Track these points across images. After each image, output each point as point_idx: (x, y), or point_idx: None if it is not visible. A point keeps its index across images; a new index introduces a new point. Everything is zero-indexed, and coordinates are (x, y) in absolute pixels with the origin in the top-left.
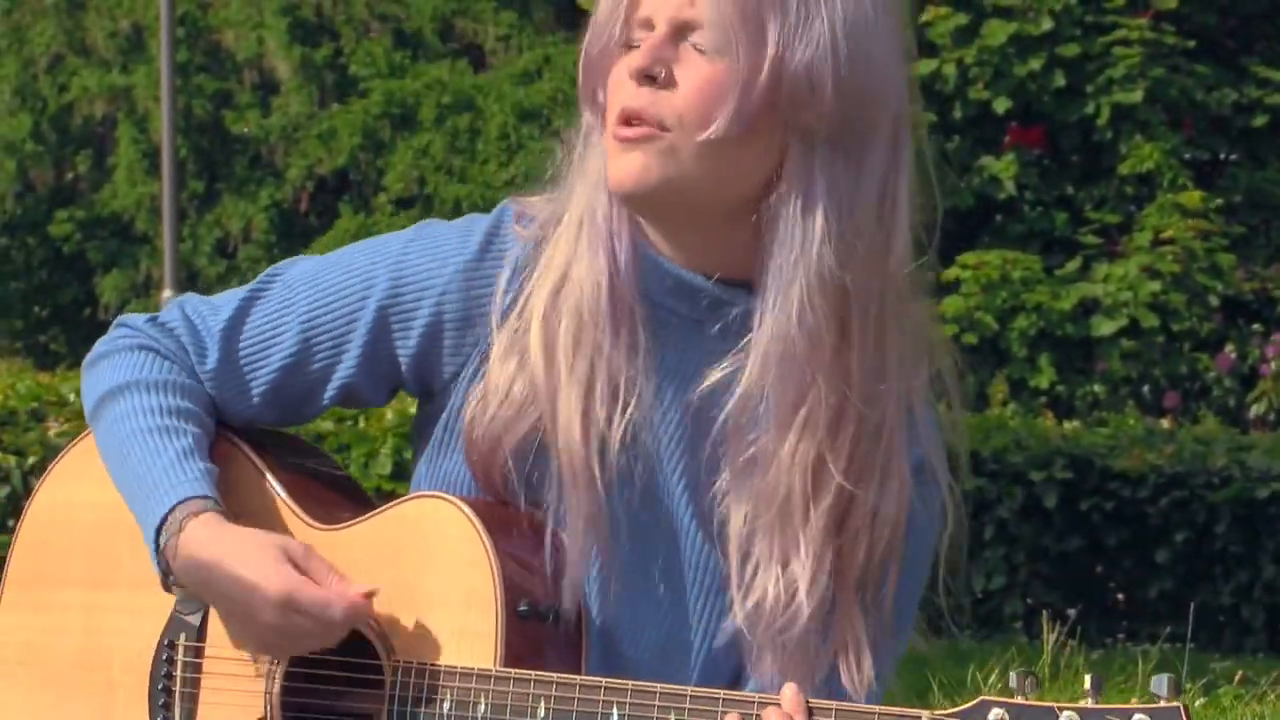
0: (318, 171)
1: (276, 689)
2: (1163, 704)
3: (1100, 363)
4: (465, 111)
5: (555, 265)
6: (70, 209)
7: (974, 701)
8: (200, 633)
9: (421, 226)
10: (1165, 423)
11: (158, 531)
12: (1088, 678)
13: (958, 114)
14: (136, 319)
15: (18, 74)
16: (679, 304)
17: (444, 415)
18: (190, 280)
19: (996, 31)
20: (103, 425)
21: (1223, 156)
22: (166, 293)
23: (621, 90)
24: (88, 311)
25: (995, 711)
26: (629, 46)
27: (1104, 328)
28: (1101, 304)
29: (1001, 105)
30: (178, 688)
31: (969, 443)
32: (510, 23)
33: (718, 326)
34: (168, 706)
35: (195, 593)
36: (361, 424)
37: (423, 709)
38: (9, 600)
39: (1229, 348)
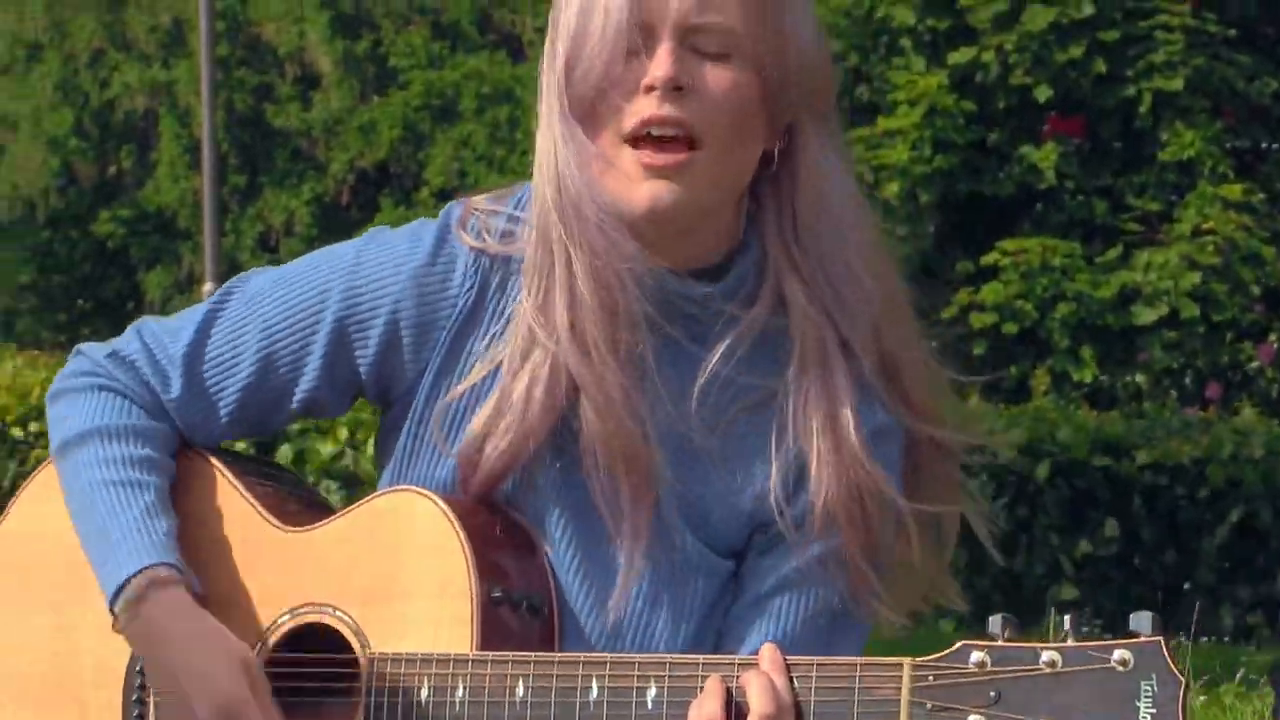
0: (359, 164)
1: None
2: (1144, 639)
3: (1142, 353)
4: (504, 102)
5: (551, 271)
6: (114, 206)
7: (955, 646)
8: None
9: (372, 234)
10: (1204, 414)
11: (117, 592)
12: (1066, 618)
13: (1000, 104)
14: (96, 351)
15: (60, 69)
16: (662, 303)
17: (407, 423)
18: (232, 274)
19: (1037, 17)
20: (66, 470)
21: (1264, 146)
22: (208, 286)
23: (638, 101)
24: (131, 305)
25: (976, 655)
26: (627, 55)
27: (1144, 316)
28: (1142, 292)
29: (1043, 94)
30: (151, 701)
31: (1016, 433)
32: (548, 13)
33: (694, 316)
34: (142, 718)
35: (141, 655)
36: None
37: (400, 699)
38: None
39: (1272, 338)
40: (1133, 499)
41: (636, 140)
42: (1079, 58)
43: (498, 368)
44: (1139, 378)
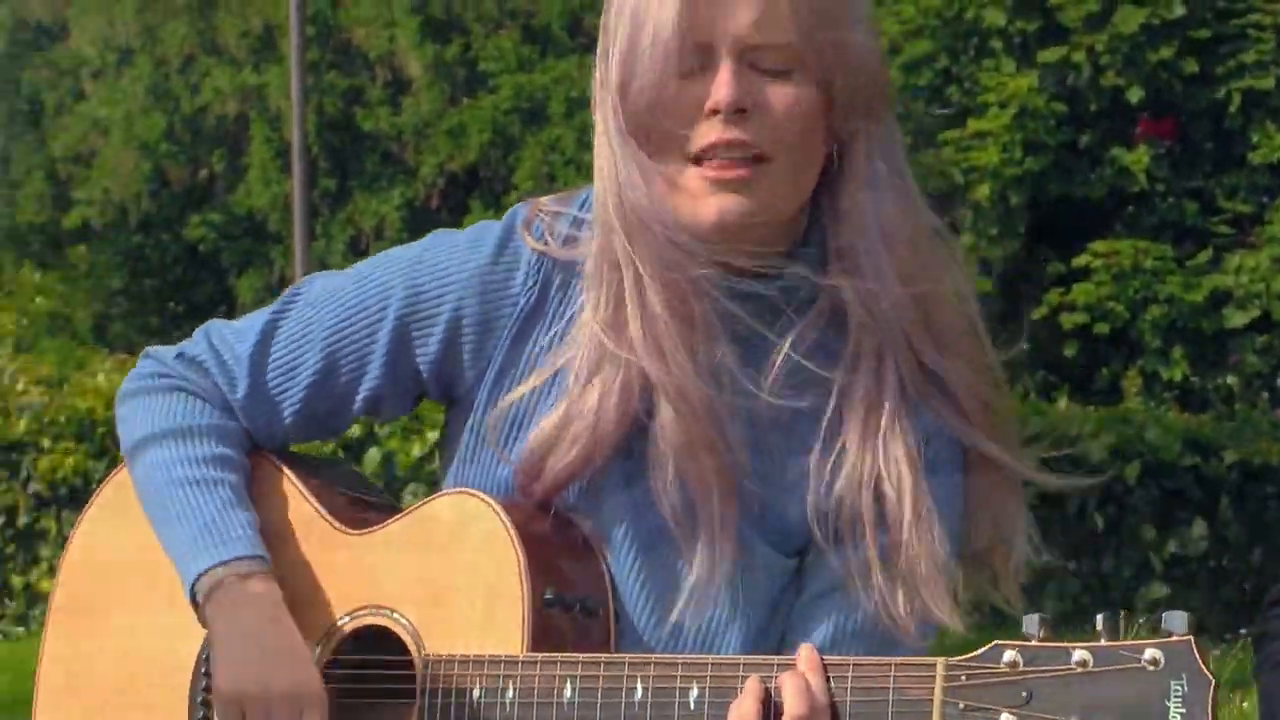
0: (449, 168)
1: None
2: (1174, 639)
3: (1233, 355)
4: None
5: (619, 284)
6: (205, 210)
7: (988, 645)
8: None
9: (435, 236)
10: None
11: (197, 582)
12: (1099, 617)
13: (1091, 105)
14: (165, 353)
15: (151, 74)
16: (732, 308)
17: (469, 423)
18: None
19: (1129, 18)
20: (140, 472)
21: None
22: None
23: (701, 125)
24: (222, 309)
25: (1009, 654)
26: (684, 75)
27: (1236, 319)
28: (1234, 295)
29: (1134, 95)
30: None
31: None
32: None
33: (761, 317)
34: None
35: (216, 645)
36: None
37: (453, 700)
38: (55, 628)
39: None
40: (1220, 499)
41: (700, 158)
42: (1170, 58)
43: (557, 374)
44: (1230, 379)
